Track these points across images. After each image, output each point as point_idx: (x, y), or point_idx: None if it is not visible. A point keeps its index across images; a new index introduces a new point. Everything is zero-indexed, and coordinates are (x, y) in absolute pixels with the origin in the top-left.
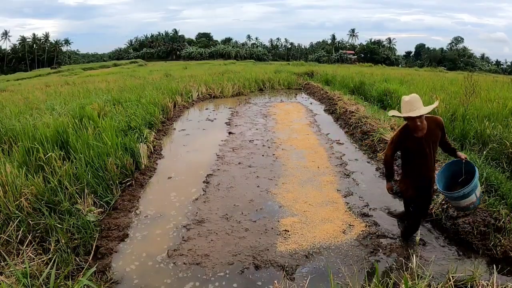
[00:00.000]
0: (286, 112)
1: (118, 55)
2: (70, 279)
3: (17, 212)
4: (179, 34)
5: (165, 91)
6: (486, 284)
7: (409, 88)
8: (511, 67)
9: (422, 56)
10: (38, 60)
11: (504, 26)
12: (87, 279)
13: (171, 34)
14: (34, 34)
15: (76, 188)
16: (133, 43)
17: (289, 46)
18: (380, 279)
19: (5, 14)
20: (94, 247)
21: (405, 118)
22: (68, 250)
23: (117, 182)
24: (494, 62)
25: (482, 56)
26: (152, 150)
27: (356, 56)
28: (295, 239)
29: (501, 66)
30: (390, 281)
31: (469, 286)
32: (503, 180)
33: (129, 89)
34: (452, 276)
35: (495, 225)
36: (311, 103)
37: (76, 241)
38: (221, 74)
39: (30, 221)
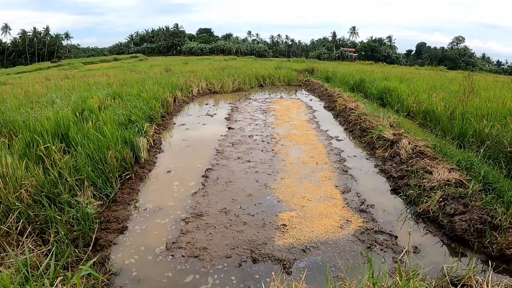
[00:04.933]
0: (286, 108)
1: (118, 50)
2: (69, 270)
3: (17, 203)
4: (180, 29)
5: (166, 86)
6: (481, 281)
7: (409, 86)
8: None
9: (423, 55)
10: (38, 54)
11: None
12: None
13: (172, 29)
14: (34, 28)
15: (76, 181)
16: (133, 38)
17: (290, 43)
18: (376, 273)
19: (5, 7)
20: (93, 239)
21: None
22: (68, 241)
23: (116, 175)
24: (495, 62)
25: (483, 56)
26: (152, 144)
27: (356, 54)
28: (293, 233)
29: (502, 66)
30: (385, 275)
31: (464, 282)
32: (500, 178)
33: (130, 83)
34: (448, 272)
35: (492, 223)
36: (311, 100)
37: (75, 232)
38: (221, 69)
39: (30, 213)
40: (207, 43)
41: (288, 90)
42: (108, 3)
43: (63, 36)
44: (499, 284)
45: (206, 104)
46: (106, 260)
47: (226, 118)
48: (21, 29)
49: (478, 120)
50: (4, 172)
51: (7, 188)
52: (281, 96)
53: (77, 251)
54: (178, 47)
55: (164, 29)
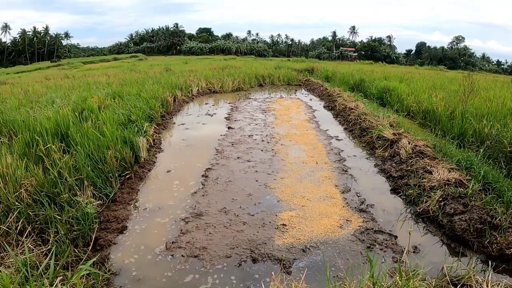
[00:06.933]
0: (286, 108)
1: (118, 49)
2: (69, 269)
3: (17, 203)
4: (180, 28)
5: (165, 86)
6: (481, 281)
7: (409, 86)
8: (511, 67)
9: (422, 55)
10: (38, 54)
11: None
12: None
13: (171, 29)
14: (34, 28)
15: (76, 180)
16: (133, 37)
17: (290, 43)
18: (375, 273)
19: (5, 7)
20: (93, 238)
21: None
22: (67, 241)
23: (116, 175)
24: (495, 62)
25: (483, 56)
26: (152, 144)
27: (356, 54)
28: (293, 233)
29: (502, 66)
30: (385, 275)
31: (464, 282)
32: (500, 178)
33: (129, 83)
34: (448, 272)
35: (491, 222)
36: (310, 99)
37: (75, 232)
38: (221, 69)
39: (30, 212)
40: (207, 43)
41: (288, 90)
42: (108, 3)
43: (63, 35)
44: (499, 284)
45: (206, 103)
46: (106, 259)
47: (226, 118)
48: (21, 29)
49: (478, 120)
50: (4, 171)
51: (7, 188)
52: (281, 95)
53: (77, 251)
54: (178, 47)
55: (164, 28)
